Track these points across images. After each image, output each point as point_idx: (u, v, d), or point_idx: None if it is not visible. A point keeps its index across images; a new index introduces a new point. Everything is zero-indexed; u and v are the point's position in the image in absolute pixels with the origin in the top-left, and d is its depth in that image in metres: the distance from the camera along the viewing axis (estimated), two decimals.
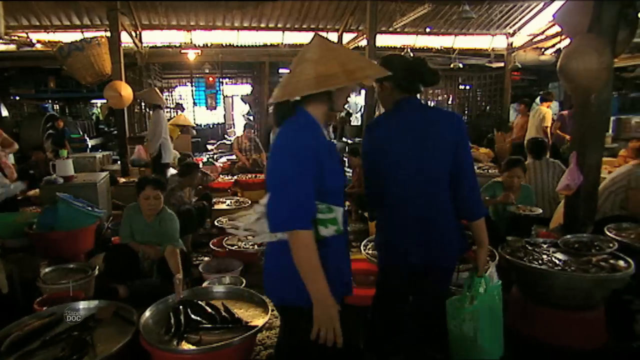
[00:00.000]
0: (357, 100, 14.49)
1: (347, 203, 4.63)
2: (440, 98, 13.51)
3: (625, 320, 2.94)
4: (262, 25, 10.01)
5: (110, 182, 5.62)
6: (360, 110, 14.32)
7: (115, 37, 7.01)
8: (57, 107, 13.38)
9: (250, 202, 6.11)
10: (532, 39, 10.27)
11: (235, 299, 2.83)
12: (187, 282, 3.43)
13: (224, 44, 10.24)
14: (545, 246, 3.14)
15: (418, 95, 2.08)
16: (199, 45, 10.00)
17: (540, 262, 2.83)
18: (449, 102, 13.49)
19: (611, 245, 3.01)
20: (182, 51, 9.87)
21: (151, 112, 6.69)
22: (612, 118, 10.44)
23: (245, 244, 4.22)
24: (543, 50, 10.51)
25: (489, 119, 12.12)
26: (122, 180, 6.64)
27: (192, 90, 13.78)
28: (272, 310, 3.23)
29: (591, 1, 3.16)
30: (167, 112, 13.12)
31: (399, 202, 2.00)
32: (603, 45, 3.06)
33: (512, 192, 3.78)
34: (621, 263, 2.77)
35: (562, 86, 3.68)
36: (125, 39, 8.30)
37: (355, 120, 14.61)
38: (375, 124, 2.12)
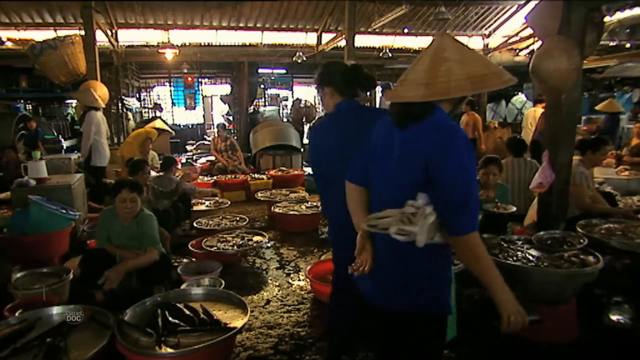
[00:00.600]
0: None
1: None
2: None
3: (596, 313, 3.04)
4: (241, 24, 9.95)
5: (86, 184, 5.50)
6: None
7: (90, 36, 6.86)
8: (30, 107, 13.01)
9: (229, 202, 6.08)
10: (507, 40, 10.48)
11: (214, 300, 2.81)
12: (165, 284, 3.41)
13: (202, 44, 10.14)
14: (519, 243, 3.21)
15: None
16: (176, 45, 9.87)
17: (514, 258, 2.90)
18: None
19: (582, 241, 3.11)
20: (160, 50, 9.73)
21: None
22: (582, 118, 10.79)
23: (224, 246, 4.21)
24: (517, 51, 10.74)
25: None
26: None
27: (170, 90, 13.62)
28: (252, 311, 3.24)
29: (560, 4, 3.24)
30: (145, 112, 12.97)
31: (340, 198, 1.96)
32: (572, 47, 3.16)
33: (488, 189, 3.86)
34: (591, 258, 2.87)
35: (535, 87, 3.77)
36: (101, 37, 8.14)
37: None
38: (318, 125, 2.31)
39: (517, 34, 10.13)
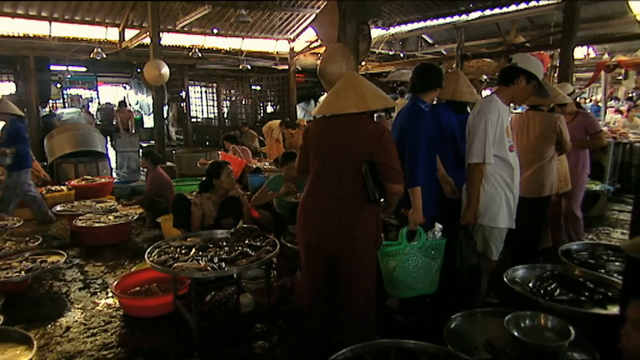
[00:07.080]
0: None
1: None
2: (234, 98, 13.82)
3: None
4: (20, 12, 8.45)
5: None
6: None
7: None
8: None
9: (22, 221, 5.13)
10: (309, 45, 11.34)
11: None
12: None
13: None
14: None
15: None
16: None
17: None
18: (242, 102, 13.92)
19: None
20: None
21: None
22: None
23: (7, 274, 3.57)
24: (319, 55, 11.77)
25: (281, 118, 12.96)
26: None
27: None
28: (46, 344, 2.87)
29: (337, 15, 3.71)
30: None
31: None
32: (348, 53, 3.65)
33: (292, 182, 4.16)
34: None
35: (324, 87, 4.22)
36: None
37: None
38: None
39: (317, 40, 11.06)
